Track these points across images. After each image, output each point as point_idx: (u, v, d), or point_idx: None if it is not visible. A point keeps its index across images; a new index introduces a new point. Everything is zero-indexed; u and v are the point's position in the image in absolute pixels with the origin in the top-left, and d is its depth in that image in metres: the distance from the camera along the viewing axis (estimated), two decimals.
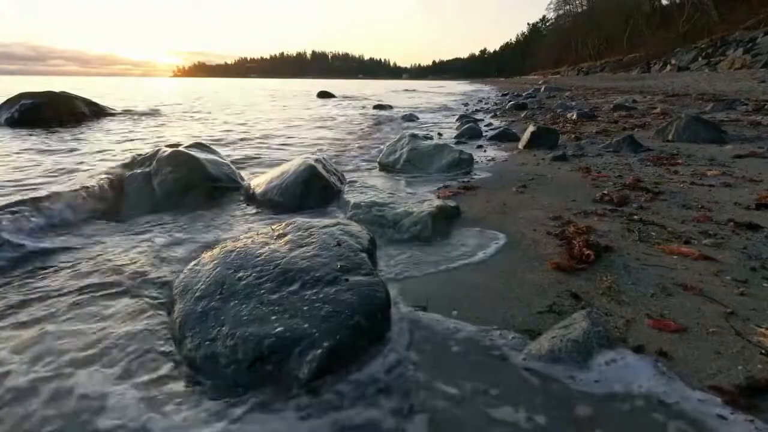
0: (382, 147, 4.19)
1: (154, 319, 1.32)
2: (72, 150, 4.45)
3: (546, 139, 4.35)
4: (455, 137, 5.30)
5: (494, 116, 8.36)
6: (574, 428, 0.87)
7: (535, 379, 1.01)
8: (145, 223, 2.25)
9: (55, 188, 2.44)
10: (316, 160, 2.80)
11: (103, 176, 2.61)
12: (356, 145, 5.21)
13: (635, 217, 2.08)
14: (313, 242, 1.46)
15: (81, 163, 3.80)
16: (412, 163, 3.50)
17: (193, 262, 1.45)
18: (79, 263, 1.74)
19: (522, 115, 8.01)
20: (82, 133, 5.85)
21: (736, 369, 1.00)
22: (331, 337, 1.04)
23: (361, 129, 6.89)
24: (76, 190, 2.37)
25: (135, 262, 1.74)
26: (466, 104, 13.03)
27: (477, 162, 3.65)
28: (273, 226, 1.66)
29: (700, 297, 1.33)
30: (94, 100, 8.24)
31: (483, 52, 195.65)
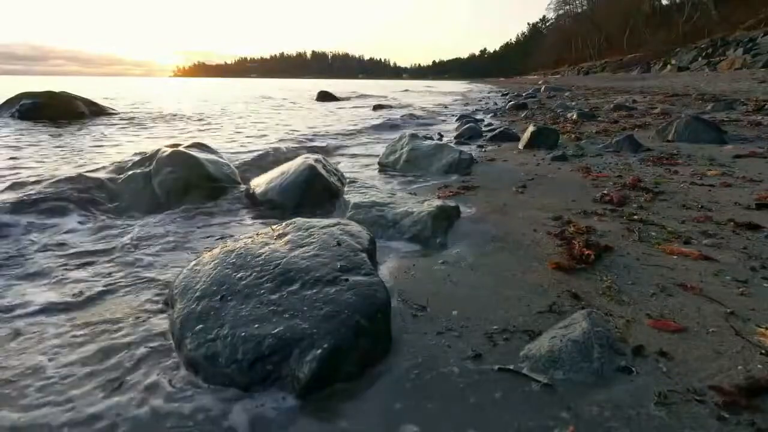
0: (382, 147, 4.19)
1: (154, 317, 1.32)
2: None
3: (546, 139, 4.35)
4: (455, 137, 5.30)
5: (494, 116, 8.36)
6: None
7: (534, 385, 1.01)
8: (146, 222, 2.25)
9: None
10: (316, 160, 2.80)
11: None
12: (355, 144, 5.21)
13: (635, 217, 2.08)
14: (313, 242, 1.45)
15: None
16: (412, 163, 3.50)
17: (193, 262, 1.45)
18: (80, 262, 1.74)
19: (522, 115, 8.01)
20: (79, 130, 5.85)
21: (736, 369, 1.00)
22: (331, 338, 1.04)
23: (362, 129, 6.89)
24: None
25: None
26: (466, 104, 13.03)
27: (477, 162, 3.65)
28: (273, 226, 1.66)
29: (700, 297, 1.33)
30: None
31: (483, 52, 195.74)
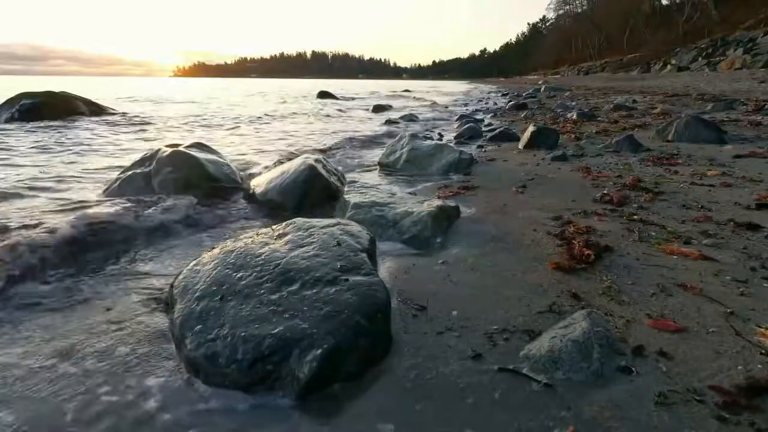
0: (382, 147, 4.18)
1: (154, 317, 1.32)
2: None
3: (546, 139, 4.35)
4: (455, 137, 5.30)
5: (494, 116, 8.36)
6: None
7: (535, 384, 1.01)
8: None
9: None
10: (316, 160, 2.80)
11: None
12: (355, 144, 5.21)
13: (635, 217, 2.08)
14: (313, 242, 1.45)
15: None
16: (412, 163, 3.50)
17: (193, 262, 1.45)
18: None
19: (522, 115, 8.01)
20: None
21: (736, 369, 1.00)
22: (331, 338, 1.04)
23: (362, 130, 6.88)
24: None
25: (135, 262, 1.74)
26: (466, 104, 13.03)
27: (477, 162, 3.65)
28: (273, 226, 1.66)
29: (700, 297, 1.33)
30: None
31: (483, 52, 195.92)
